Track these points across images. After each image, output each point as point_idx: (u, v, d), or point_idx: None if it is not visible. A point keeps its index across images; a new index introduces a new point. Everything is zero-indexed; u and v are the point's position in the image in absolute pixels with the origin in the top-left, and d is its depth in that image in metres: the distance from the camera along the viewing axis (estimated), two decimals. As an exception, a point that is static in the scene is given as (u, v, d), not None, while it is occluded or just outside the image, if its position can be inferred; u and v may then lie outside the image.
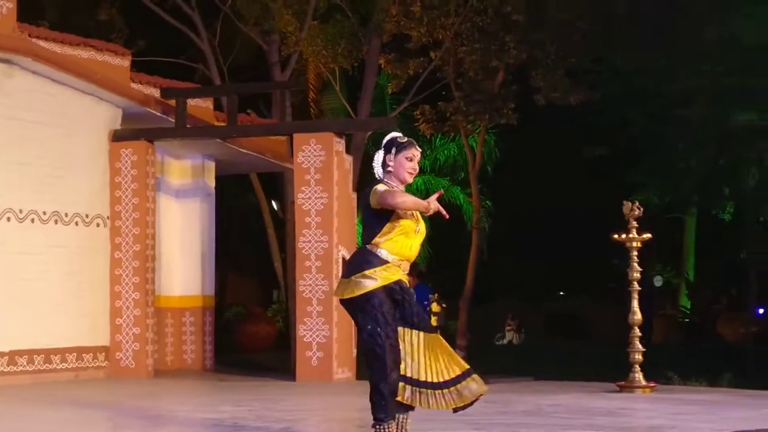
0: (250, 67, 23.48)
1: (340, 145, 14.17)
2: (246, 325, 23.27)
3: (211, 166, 16.71)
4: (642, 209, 12.19)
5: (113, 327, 14.39)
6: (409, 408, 6.45)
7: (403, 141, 6.51)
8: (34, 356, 13.51)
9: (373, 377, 6.32)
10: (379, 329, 6.24)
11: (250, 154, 16.16)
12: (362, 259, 6.39)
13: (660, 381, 13.12)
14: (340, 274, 13.82)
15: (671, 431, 7.97)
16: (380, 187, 6.40)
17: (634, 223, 12.07)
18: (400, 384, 6.34)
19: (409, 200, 6.38)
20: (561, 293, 38.58)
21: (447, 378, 6.34)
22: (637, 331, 12.12)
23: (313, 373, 13.58)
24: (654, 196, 26.87)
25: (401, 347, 6.35)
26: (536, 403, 10.34)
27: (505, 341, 30.91)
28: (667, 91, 24.12)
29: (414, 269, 15.44)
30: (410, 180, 6.52)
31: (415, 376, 6.35)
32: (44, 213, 13.79)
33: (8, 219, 13.42)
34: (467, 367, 6.37)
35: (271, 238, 25.25)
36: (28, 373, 13.36)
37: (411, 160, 6.48)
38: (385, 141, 6.57)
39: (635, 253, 12.08)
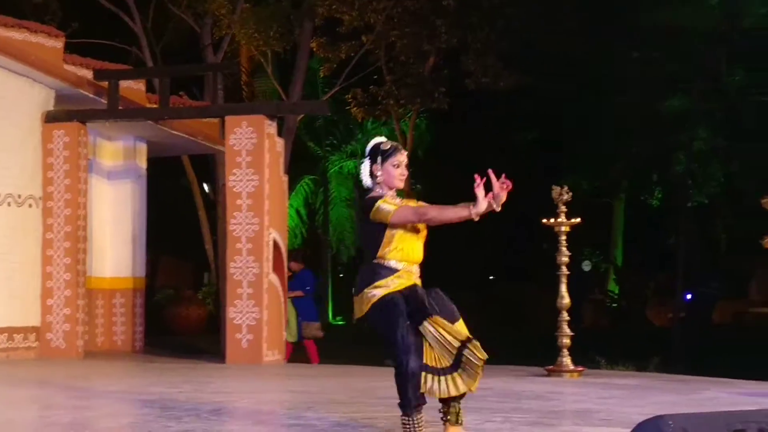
0: (183, 50, 23.34)
1: (271, 127, 14.15)
2: (177, 308, 23.17)
3: (143, 148, 16.63)
4: (571, 194, 12.17)
5: (44, 307, 14.26)
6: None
7: (387, 148, 6.42)
8: (-37, 337, 13.32)
9: (396, 368, 6.22)
10: (399, 319, 6.15)
11: (181, 136, 16.10)
12: (372, 272, 6.31)
13: (588, 365, 13.19)
14: (270, 256, 13.83)
15: (599, 415, 8.04)
16: (386, 210, 6.23)
17: (563, 208, 12.01)
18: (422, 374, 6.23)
19: (451, 214, 6.33)
20: (491, 278, 38.82)
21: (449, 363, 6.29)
22: (566, 316, 12.08)
23: (243, 355, 13.57)
24: (583, 181, 27.12)
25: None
26: (466, 387, 10.41)
27: (437, 326, 30.99)
28: (599, 77, 24.41)
29: (299, 254, 15.55)
30: (401, 186, 6.45)
31: (432, 364, 6.27)
32: (-25, 194, 13.58)
33: (-61, 200, 13.21)
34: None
35: (202, 221, 25.16)
36: (-44, 354, 13.15)
37: (398, 167, 6.40)
38: (369, 149, 6.46)
39: (564, 237, 12.04)
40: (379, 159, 6.38)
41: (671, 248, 31.22)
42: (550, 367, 12.07)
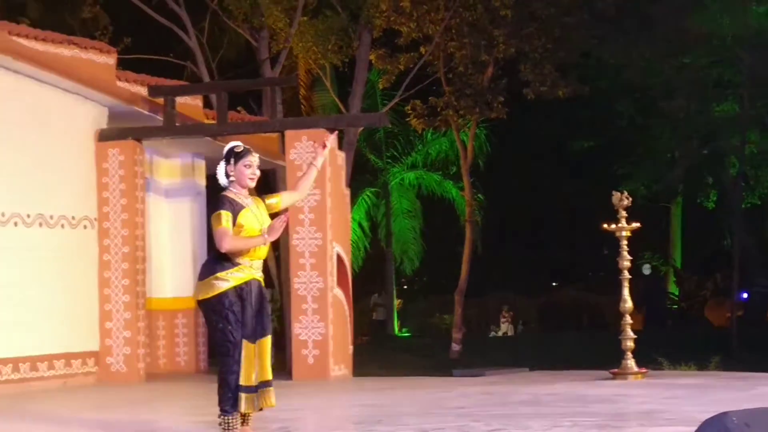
0: (240, 64, 23.41)
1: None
2: (240, 324, 23.26)
3: (201, 164, 16.43)
4: (630, 199, 12.28)
5: (103, 331, 14.02)
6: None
7: (240, 150, 7.00)
8: (20, 364, 12.97)
9: (222, 372, 6.88)
10: (230, 327, 6.80)
11: (240, 152, 16.05)
12: (216, 263, 6.89)
13: (651, 367, 13.23)
14: (334, 270, 13.80)
15: (663, 415, 8.04)
16: (218, 221, 6.76)
17: (623, 213, 12.16)
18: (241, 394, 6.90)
19: (241, 244, 6.83)
20: (554, 284, 38.65)
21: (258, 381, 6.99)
22: (629, 319, 12.21)
23: (310, 371, 13.51)
24: (641, 187, 27.14)
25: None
26: (533, 393, 10.39)
27: (500, 333, 30.94)
28: (651, 84, 24.29)
29: None
30: (252, 185, 7.07)
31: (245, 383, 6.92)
32: (28, 216, 13.28)
33: (-9, 223, 13.01)
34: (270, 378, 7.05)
35: (263, 236, 25.20)
36: (13, 382, 12.81)
37: (250, 167, 7.01)
38: (225, 152, 7.04)
39: (625, 242, 12.15)
40: (232, 161, 6.98)
41: (726, 249, 31.07)
42: (615, 370, 12.16)
